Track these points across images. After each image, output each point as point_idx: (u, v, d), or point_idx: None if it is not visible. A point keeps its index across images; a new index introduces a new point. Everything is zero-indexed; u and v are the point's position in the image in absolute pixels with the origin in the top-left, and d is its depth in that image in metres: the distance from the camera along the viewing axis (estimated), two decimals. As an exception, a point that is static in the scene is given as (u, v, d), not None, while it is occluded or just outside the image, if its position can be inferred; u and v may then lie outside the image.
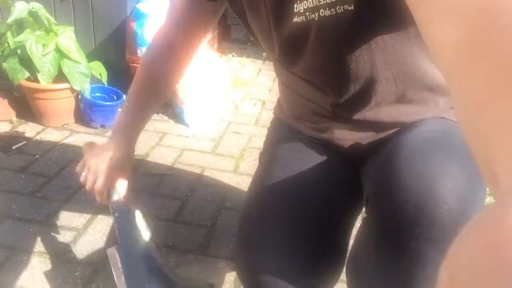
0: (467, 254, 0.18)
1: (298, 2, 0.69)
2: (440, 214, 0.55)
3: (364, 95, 0.76)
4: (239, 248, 0.78)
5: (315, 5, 0.67)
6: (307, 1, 0.68)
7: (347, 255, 0.77)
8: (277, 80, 0.96)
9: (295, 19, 0.71)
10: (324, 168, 0.83)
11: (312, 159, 0.84)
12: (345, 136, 0.83)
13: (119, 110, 1.87)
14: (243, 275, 0.76)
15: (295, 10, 0.70)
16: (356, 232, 0.75)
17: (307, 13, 0.69)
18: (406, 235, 0.58)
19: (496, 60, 0.27)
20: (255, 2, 0.76)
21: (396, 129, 0.78)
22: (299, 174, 0.81)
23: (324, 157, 0.85)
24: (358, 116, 0.79)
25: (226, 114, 2.17)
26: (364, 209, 0.75)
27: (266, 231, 0.74)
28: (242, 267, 0.76)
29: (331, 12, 0.66)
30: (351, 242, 0.78)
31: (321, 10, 0.67)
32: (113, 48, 2.00)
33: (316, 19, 0.68)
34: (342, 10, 0.65)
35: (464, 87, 0.30)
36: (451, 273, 0.19)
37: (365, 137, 0.81)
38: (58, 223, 1.30)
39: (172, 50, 0.95)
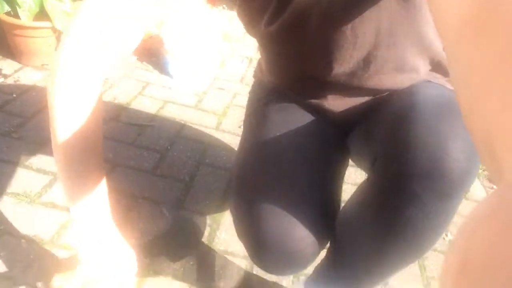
0: (482, 239, 0.18)
1: None
2: (452, 170, 0.59)
3: (365, 62, 0.76)
4: (239, 210, 0.78)
5: None
6: None
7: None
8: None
9: None
10: (317, 129, 0.85)
11: (303, 119, 0.86)
12: (337, 101, 0.84)
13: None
14: (247, 236, 0.77)
15: None
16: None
17: None
18: (416, 186, 0.61)
19: (501, 36, 0.27)
20: None
21: (386, 93, 0.80)
22: (292, 134, 0.82)
23: (316, 118, 0.86)
24: (355, 83, 0.79)
25: (212, 68, 2.13)
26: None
27: (268, 192, 0.75)
28: (245, 228, 0.77)
29: None
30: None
31: None
32: (99, -12, 1.91)
33: None
34: None
35: (467, 63, 0.30)
36: (464, 257, 0.18)
37: (357, 102, 0.83)
38: (34, 165, 1.28)
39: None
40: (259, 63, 1.03)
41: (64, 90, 0.67)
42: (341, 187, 0.86)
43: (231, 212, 0.81)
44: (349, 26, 0.72)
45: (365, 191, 0.73)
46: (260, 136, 0.84)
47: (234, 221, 0.80)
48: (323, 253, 0.90)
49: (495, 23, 0.28)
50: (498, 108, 0.25)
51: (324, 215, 0.77)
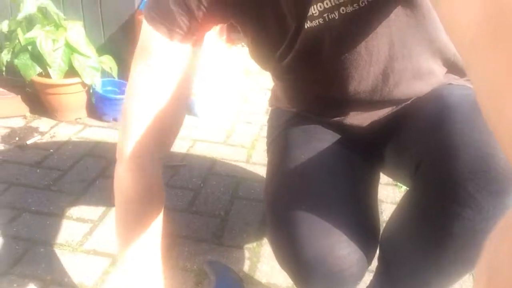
0: (507, 252, 0.17)
1: (314, 5, 0.67)
2: (505, 166, 0.57)
3: (384, 76, 0.76)
4: (277, 235, 0.76)
5: (334, 4, 0.66)
6: (322, 3, 0.67)
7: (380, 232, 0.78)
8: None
9: (308, 25, 0.70)
10: (342, 145, 0.84)
11: (328, 138, 0.84)
12: (361, 117, 0.83)
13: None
14: (288, 261, 0.75)
15: (309, 14, 0.68)
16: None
17: (324, 15, 0.68)
18: (472, 187, 0.58)
19: None
20: (260, 16, 0.72)
21: (411, 100, 0.79)
22: (318, 152, 0.81)
23: (339, 135, 0.85)
24: (376, 97, 0.79)
25: (236, 104, 2.17)
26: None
27: (303, 213, 0.73)
28: (285, 252, 0.75)
29: (353, 7, 0.66)
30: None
31: (342, 8, 0.66)
32: (123, 41, 2.00)
33: (336, 18, 0.68)
34: (366, 3, 0.65)
35: (486, 67, 0.29)
36: (491, 270, 0.18)
37: (382, 114, 0.82)
38: (74, 215, 1.31)
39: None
40: (273, 91, 1.03)
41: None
42: (376, 201, 0.83)
43: (269, 240, 0.80)
44: (363, 45, 0.72)
45: (411, 201, 0.70)
46: (286, 159, 0.83)
47: (273, 249, 0.79)
48: (367, 275, 0.87)
49: (510, 23, 0.27)
50: None
51: (364, 231, 0.74)
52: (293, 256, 0.72)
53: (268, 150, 0.98)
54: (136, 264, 0.83)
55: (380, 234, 0.79)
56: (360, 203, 0.78)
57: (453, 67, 0.81)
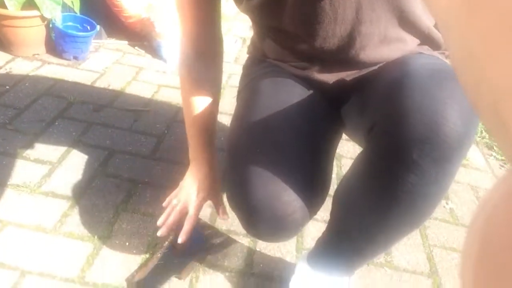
0: (501, 221, 0.17)
1: None
2: (450, 134, 0.59)
3: (350, 38, 0.77)
4: (231, 178, 0.79)
5: None
6: None
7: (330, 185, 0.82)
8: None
9: None
10: (309, 100, 0.85)
11: (296, 91, 0.86)
12: (328, 74, 0.84)
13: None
14: (238, 202, 0.78)
15: None
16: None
17: None
18: (416, 153, 0.61)
19: (492, 10, 0.26)
20: None
21: (379, 65, 0.81)
22: (284, 105, 0.83)
23: (308, 90, 0.86)
24: (343, 57, 0.80)
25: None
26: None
27: (258, 160, 0.76)
28: (236, 194, 0.78)
29: None
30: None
31: None
32: (86, -26, 1.88)
33: None
34: None
35: (464, 32, 0.29)
36: (484, 241, 0.18)
37: (349, 74, 0.83)
38: (32, 156, 1.28)
39: (203, 61, 0.93)
40: (252, 39, 1.03)
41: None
42: (332, 157, 0.86)
43: (225, 185, 0.82)
44: (327, 1, 0.72)
45: (363, 161, 0.73)
46: (251, 109, 0.84)
47: (227, 192, 0.81)
48: (323, 226, 0.90)
49: None
50: (507, 73, 0.24)
51: (313, 182, 0.78)
52: (242, 199, 0.76)
53: (238, 97, 0.99)
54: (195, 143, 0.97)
55: (335, 190, 0.82)
56: (314, 156, 0.80)
57: (428, 40, 0.83)
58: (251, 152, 0.78)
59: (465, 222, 1.35)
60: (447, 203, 1.41)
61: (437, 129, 0.59)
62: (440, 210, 1.37)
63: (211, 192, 0.99)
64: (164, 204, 0.99)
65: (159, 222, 0.95)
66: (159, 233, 0.94)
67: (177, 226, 0.96)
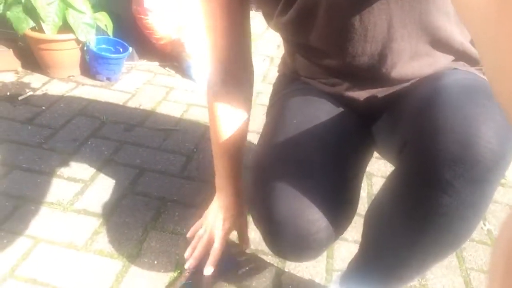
0: None
1: None
2: (484, 154, 0.57)
3: (381, 56, 0.76)
4: (255, 194, 0.78)
5: None
6: None
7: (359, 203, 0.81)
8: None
9: None
10: (338, 118, 0.84)
11: (325, 108, 0.85)
12: (359, 91, 0.83)
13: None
14: (261, 219, 0.76)
15: None
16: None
17: None
18: (449, 174, 0.58)
19: None
20: None
21: (411, 81, 0.79)
22: (313, 122, 0.82)
23: (337, 107, 0.85)
24: (374, 74, 0.79)
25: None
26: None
27: (283, 176, 0.75)
28: (260, 210, 0.76)
29: None
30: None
31: None
32: (119, -2, 1.95)
33: None
34: None
35: (493, 49, 0.28)
36: (509, 257, 0.18)
37: (380, 91, 0.82)
38: (65, 174, 1.31)
39: (233, 86, 0.91)
40: (283, 56, 1.03)
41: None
42: (361, 176, 0.84)
43: (248, 199, 0.81)
44: (357, 18, 0.70)
45: (395, 181, 0.71)
46: (279, 126, 0.84)
47: (250, 207, 0.81)
48: (354, 248, 0.88)
49: None
50: None
51: (340, 202, 0.76)
52: (265, 216, 0.74)
53: (267, 115, 0.99)
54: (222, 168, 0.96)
55: (366, 210, 0.80)
56: (342, 175, 0.78)
57: (462, 56, 0.81)
58: (276, 168, 0.76)
59: (505, 244, 1.29)
60: (484, 224, 1.35)
61: (470, 148, 0.57)
62: (478, 232, 1.32)
63: (237, 221, 0.98)
64: (188, 236, 0.99)
65: (186, 255, 0.97)
66: (186, 266, 0.95)
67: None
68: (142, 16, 1.93)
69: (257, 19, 0.95)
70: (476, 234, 1.31)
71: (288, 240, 0.73)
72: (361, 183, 0.83)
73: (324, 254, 1.16)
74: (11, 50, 1.83)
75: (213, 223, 0.96)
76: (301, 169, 0.75)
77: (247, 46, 0.91)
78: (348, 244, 1.20)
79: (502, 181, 1.56)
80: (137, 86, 1.89)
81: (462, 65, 0.81)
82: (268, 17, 0.85)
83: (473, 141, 0.57)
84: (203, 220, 0.99)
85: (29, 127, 1.50)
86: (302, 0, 0.73)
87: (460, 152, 0.57)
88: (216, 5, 0.82)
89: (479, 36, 0.31)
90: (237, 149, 0.95)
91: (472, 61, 0.82)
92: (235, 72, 0.90)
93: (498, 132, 0.57)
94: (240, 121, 0.93)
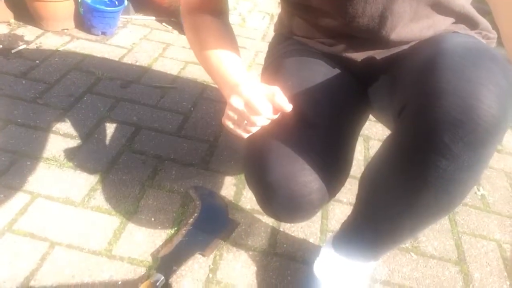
0: None
1: None
2: (485, 117, 0.56)
3: (381, 17, 0.74)
4: (249, 156, 0.78)
5: None
6: None
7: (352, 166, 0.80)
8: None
9: None
10: (334, 79, 0.83)
11: (321, 69, 0.84)
12: (357, 52, 0.82)
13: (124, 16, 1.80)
14: (254, 180, 0.76)
15: None
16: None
17: None
18: (448, 137, 0.58)
19: None
20: None
21: (410, 44, 0.78)
22: (308, 83, 0.81)
23: (334, 68, 0.84)
24: (373, 36, 0.78)
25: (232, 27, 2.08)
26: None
27: (276, 138, 0.74)
28: (253, 172, 0.76)
29: None
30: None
31: None
32: None
33: None
34: None
35: None
36: None
37: (378, 53, 0.81)
38: (61, 130, 1.30)
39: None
40: (279, 16, 1.00)
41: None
42: (356, 139, 0.84)
43: (243, 162, 0.80)
44: None
45: (392, 144, 0.70)
46: (276, 86, 0.82)
47: (244, 169, 0.80)
48: (348, 209, 0.89)
49: None
50: None
51: (333, 164, 0.76)
52: (259, 177, 0.74)
53: (262, 74, 0.97)
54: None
55: (362, 172, 0.80)
56: (336, 137, 0.78)
57: (463, 19, 0.79)
58: (270, 130, 0.76)
59: (497, 209, 1.31)
60: (478, 189, 1.37)
61: (471, 112, 0.56)
62: (471, 196, 1.33)
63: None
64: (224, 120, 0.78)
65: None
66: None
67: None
68: (139, -32, 1.85)
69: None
70: (469, 199, 1.32)
71: (281, 202, 0.73)
72: (355, 145, 0.83)
73: (319, 214, 1.18)
74: (2, 0, 1.77)
75: (244, 92, 0.73)
76: (294, 131, 0.75)
77: None
78: (343, 205, 1.21)
79: (498, 147, 1.57)
80: (133, 41, 1.84)
81: (462, 28, 0.80)
82: None
83: (474, 105, 0.56)
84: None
85: (23, 81, 1.47)
86: None
87: (460, 115, 0.57)
88: None
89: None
90: (234, 46, 0.86)
91: (472, 24, 0.81)
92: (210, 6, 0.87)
93: (499, 97, 0.57)
94: (226, 26, 0.89)
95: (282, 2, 0.91)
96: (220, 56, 0.82)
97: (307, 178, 0.72)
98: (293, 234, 1.11)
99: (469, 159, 0.60)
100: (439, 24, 0.77)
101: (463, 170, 0.61)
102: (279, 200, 0.73)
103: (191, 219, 1.06)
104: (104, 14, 1.77)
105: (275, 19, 2.19)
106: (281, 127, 0.75)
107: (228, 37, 0.87)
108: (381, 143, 0.75)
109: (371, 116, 0.96)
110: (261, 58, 1.83)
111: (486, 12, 0.78)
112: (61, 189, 1.11)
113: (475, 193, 1.35)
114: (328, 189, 0.75)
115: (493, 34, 0.84)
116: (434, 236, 1.17)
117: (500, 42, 0.86)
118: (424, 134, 0.61)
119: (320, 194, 0.74)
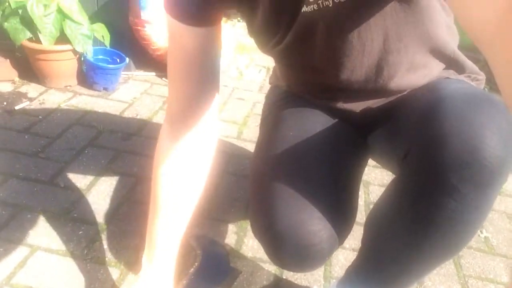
0: None
1: None
2: (490, 158, 0.58)
3: (378, 68, 0.77)
4: (256, 205, 0.78)
5: None
6: None
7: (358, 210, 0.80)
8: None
9: (304, 9, 0.70)
10: (334, 129, 0.85)
11: (320, 120, 0.85)
12: (355, 103, 0.84)
13: (121, 74, 1.86)
14: (262, 230, 0.76)
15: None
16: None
17: (319, 1, 0.68)
18: (456, 178, 0.59)
19: None
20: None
21: (406, 91, 0.80)
22: (308, 133, 0.82)
23: (332, 119, 0.86)
24: (371, 87, 0.79)
25: (230, 80, 2.15)
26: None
27: (282, 185, 0.75)
28: (261, 222, 0.76)
29: None
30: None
31: None
32: (116, 10, 1.96)
33: (330, 5, 0.67)
34: None
35: (504, 54, 0.29)
36: None
37: (376, 102, 0.83)
38: (62, 183, 1.30)
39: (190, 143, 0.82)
40: (274, 69, 1.04)
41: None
42: (358, 185, 0.85)
43: (249, 211, 0.81)
44: (355, 35, 0.72)
45: (398, 187, 0.71)
46: (274, 138, 0.84)
47: (250, 218, 0.80)
48: (352, 255, 0.88)
49: None
50: None
51: (339, 210, 0.76)
52: (266, 226, 0.74)
53: (261, 126, 0.99)
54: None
55: (366, 217, 0.81)
56: (340, 184, 0.79)
57: (453, 64, 0.83)
58: (276, 180, 0.76)
59: (501, 251, 1.29)
60: (481, 232, 1.36)
61: (476, 153, 0.58)
62: (475, 239, 1.32)
63: None
64: None
65: None
66: None
67: None
68: (139, 28, 1.94)
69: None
70: (473, 242, 1.31)
71: (290, 252, 0.73)
72: (358, 191, 0.84)
73: (322, 261, 1.16)
74: (8, 60, 1.84)
75: None
76: (299, 180, 0.76)
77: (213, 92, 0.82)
78: (346, 251, 1.19)
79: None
80: (134, 96, 1.89)
81: (452, 74, 0.83)
82: (261, 45, 0.83)
83: (479, 147, 0.58)
84: None
85: (26, 136, 1.50)
86: (299, 26, 0.73)
87: (466, 156, 0.58)
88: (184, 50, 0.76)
89: (490, 41, 0.32)
90: (190, 209, 0.86)
91: (460, 68, 0.84)
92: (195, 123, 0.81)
93: (503, 138, 0.59)
94: (199, 173, 0.85)
95: (277, 63, 0.93)
96: (162, 226, 0.83)
97: (317, 227, 0.72)
98: (296, 282, 1.09)
99: (476, 199, 0.61)
100: (433, 71, 0.80)
101: (471, 211, 0.62)
102: (288, 249, 0.73)
103: (192, 269, 1.04)
104: (106, 71, 1.84)
105: (271, 72, 2.27)
106: (285, 178, 0.76)
107: (187, 199, 0.84)
108: (381, 188, 0.76)
109: (369, 162, 0.97)
110: (259, 109, 1.87)
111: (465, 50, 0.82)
112: (61, 242, 1.10)
113: (479, 235, 1.34)
114: (337, 236, 0.75)
115: (482, 76, 0.88)
116: (440, 280, 1.15)
117: (487, 82, 0.90)
118: (431, 176, 0.62)
119: (330, 242, 0.73)
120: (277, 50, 0.80)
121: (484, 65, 0.80)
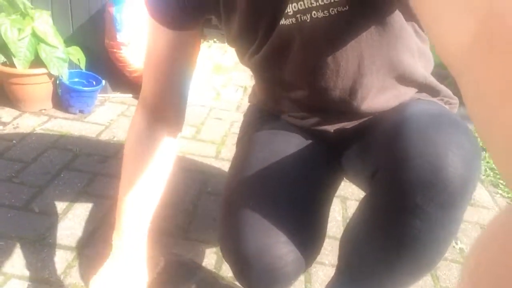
0: (488, 262, 0.18)
1: (290, 4, 0.68)
2: (453, 179, 0.59)
3: (352, 90, 0.78)
4: (224, 229, 0.79)
5: (307, 7, 0.67)
6: (297, 3, 0.67)
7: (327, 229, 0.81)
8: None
9: (283, 22, 0.71)
10: (306, 150, 0.86)
11: (293, 141, 0.86)
12: (328, 123, 0.85)
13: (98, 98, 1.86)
14: (230, 254, 0.77)
15: (286, 11, 0.69)
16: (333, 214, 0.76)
17: (298, 15, 0.69)
18: (420, 198, 0.60)
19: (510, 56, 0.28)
20: (231, 7, 0.75)
21: (378, 112, 0.82)
22: (280, 155, 0.83)
23: (306, 140, 0.87)
24: (344, 108, 0.81)
25: (207, 100, 2.16)
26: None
27: (250, 209, 0.76)
28: (228, 246, 0.77)
29: (324, 14, 0.67)
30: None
31: (313, 12, 0.67)
32: (92, 33, 1.97)
33: (308, 20, 0.69)
34: (336, 12, 0.66)
35: (481, 77, 0.30)
36: (474, 280, 0.19)
37: (349, 123, 0.84)
38: (37, 208, 1.28)
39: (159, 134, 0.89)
40: (253, 88, 1.05)
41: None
42: (329, 206, 0.85)
43: (218, 234, 0.82)
44: (330, 54, 0.73)
45: (367, 207, 0.73)
46: (247, 160, 0.85)
47: (219, 241, 0.81)
48: (331, 271, 0.89)
49: (505, 37, 0.28)
50: None
51: (306, 234, 0.77)
52: (234, 250, 0.75)
53: (236, 146, 1.00)
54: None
55: (342, 234, 0.82)
56: (309, 208, 0.80)
57: (425, 88, 0.84)
58: (245, 203, 0.77)
59: (476, 261, 1.32)
60: (456, 243, 1.38)
61: (439, 173, 0.59)
62: (450, 251, 1.35)
63: None
64: None
65: None
66: None
67: None
68: (115, 50, 1.95)
69: (230, 52, 0.98)
70: (449, 254, 1.33)
71: (256, 275, 0.74)
72: (328, 212, 0.85)
73: (302, 278, 1.16)
74: (-20, 85, 1.81)
75: None
76: (268, 203, 0.77)
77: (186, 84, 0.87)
78: (325, 267, 1.20)
79: (471, 201, 1.61)
80: (111, 118, 1.88)
81: (424, 96, 0.85)
82: (240, 54, 0.86)
83: (442, 167, 0.59)
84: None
85: (-1, 162, 1.47)
86: (276, 37, 0.74)
87: (429, 177, 0.59)
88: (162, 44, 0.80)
89: (460, 66, 0.33)
90: (155, 200, 0.94)
91: (434, 92, 0.86)
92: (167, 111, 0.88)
93: (465, 158, 0.60)
94: (162, 168, 0.93)
95: (255, 77, 0.95)
96: (134, 205, 0.91)
97: (282, 250, 0.73)
98: (276, 300, 1.09)
99: (442, 218, 0.62)
100: (404, 94, 0.82)
101: (437, 230, 0.63)
102: (254, 273, 0.74)
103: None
104: (82, 94, 1.83)
105: (249, 91, 2.29)
106: (254, 201, 0.77)
107: (159, 179, 0.94)
108: (358, 203, 0.78)
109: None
110: (236, 128, 1.88)
111: (445, 77, 0.84)
112: (36, 268, 1.08)
113: (454, 246, 1.37)
114: (305, 259, 0.76)
115: (455, 100, 0.89)
116: (418, 292, 1.17)
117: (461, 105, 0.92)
118: (398, 196, 0.63)
119: (296, 265, 0.75)
120: (255, 61, 0.82)
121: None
